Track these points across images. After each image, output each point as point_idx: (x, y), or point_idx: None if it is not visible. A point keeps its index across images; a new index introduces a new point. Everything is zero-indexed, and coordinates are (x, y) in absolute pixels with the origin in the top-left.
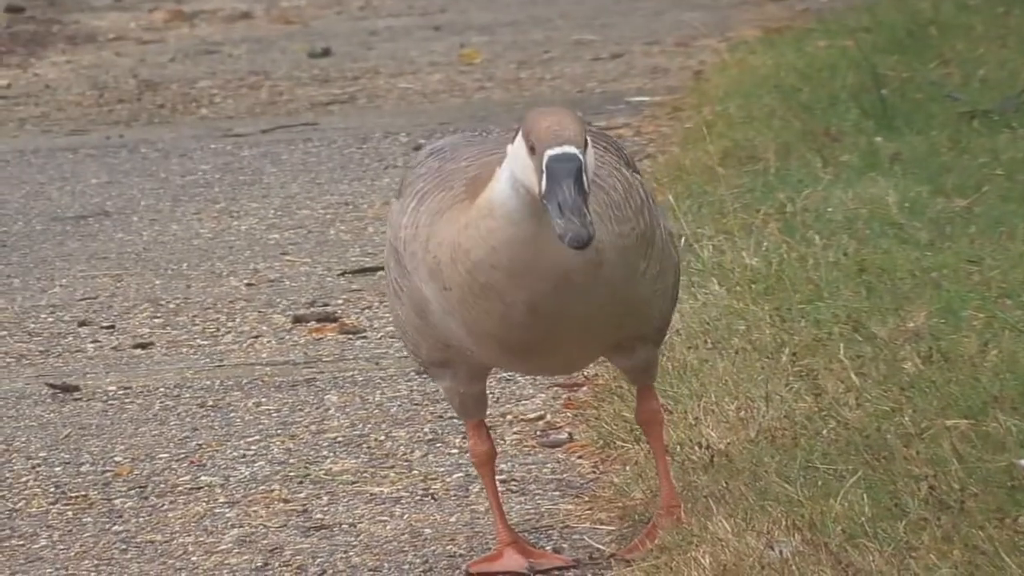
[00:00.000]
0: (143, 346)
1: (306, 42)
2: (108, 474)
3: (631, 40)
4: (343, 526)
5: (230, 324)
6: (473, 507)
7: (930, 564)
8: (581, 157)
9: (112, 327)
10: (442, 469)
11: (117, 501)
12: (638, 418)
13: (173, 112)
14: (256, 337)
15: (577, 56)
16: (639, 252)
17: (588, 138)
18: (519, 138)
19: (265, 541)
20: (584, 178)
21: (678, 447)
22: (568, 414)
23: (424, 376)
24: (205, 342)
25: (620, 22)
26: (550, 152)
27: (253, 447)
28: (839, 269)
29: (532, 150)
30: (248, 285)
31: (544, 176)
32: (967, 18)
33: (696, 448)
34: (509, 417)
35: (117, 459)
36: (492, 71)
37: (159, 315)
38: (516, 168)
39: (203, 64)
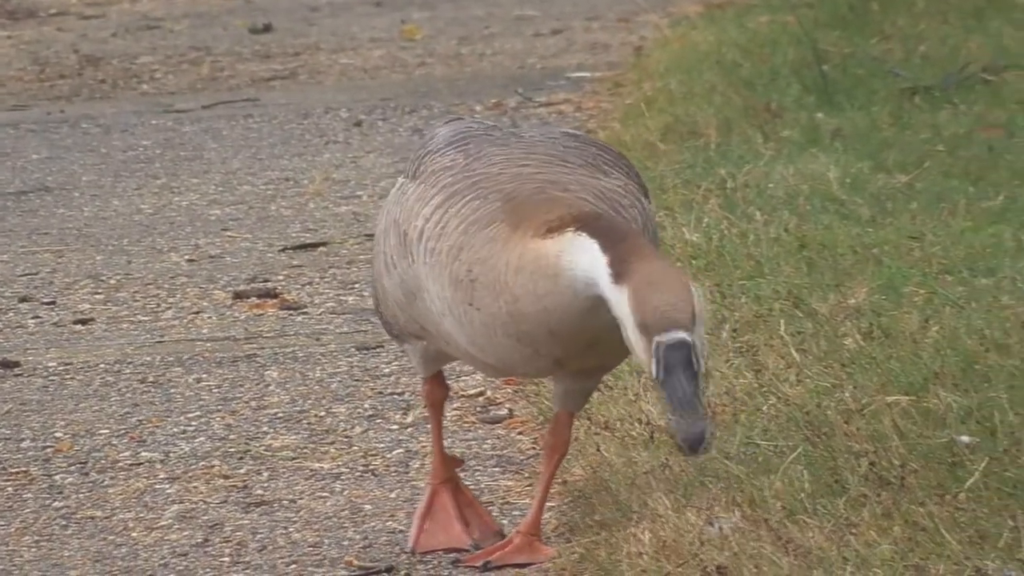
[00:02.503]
0: (84, 322)
1: (247, 18)
2: (49, 450)
3: (572, 16)
4: (283, 502)
5: (171, 300)
6: (413, 483)
7: (870, 540)
8: (690, 340)
9: (53, 303)
10: (382, 445)
11: (58, 477)
12: (547, 442)
13: (114, 88)
14: (197, 313)
15: (518, 32)
16: None
17: (699, 307)
18: (625, 293)
19: (205, 517)
20: (695, 361)
21: (618, 423)
22: (508, 390)
23: (366, 352)
24: (146, 318)
25: None
26: (660, 339)
27: (193, 423)
28: (780, 245)
29: (644, 328)
30: (189, 261)
31: (655, 364)
32: None
33: (636, 424)
34: (449, 393)
35: (58, 435)
36: (433, 47)
37: (100, 291)
38: (618, 310)
39: (144, 39)
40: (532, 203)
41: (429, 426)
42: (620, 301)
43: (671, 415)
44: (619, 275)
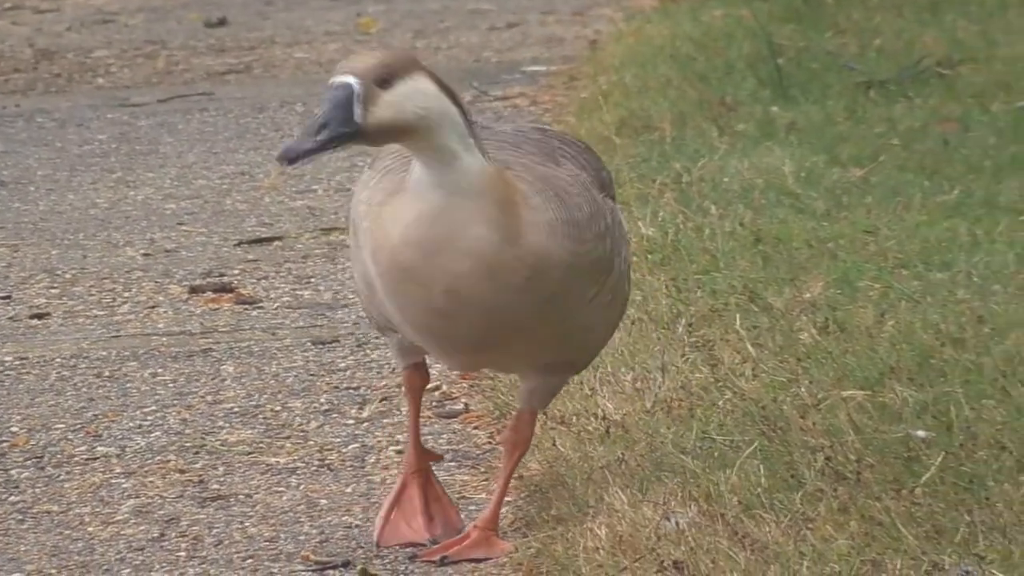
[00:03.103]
0: (39, 316)
1: (202, 11)
2: (5, 444)
3: (527, 9)
4: (239, 497)
5: (126, 294)
6: (369, 477)
7: (826, 535)
8: (356, 87)
9: (8, 297)
10: (338, 440)
11: (14, 472)
12: (508, 438)
13: (69, 82)
14: (152, 307)
15: (473, 25)
16: (592, 277)
17: (390, 68)
18: None
19: (161, 511)
20: (355, 108)
21: (574, 418)
22: (464, 385)
23: (322, 347)
24: (101, 312)
25: None
26: (331, 79)
27: (149, 418)
28: (735, 239)
29: None
30: (144, 255)
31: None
32: None
33: (592, 419)
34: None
35: (13, 429)
36: (389, 40)
37: (55, 285)
38: None
39: (99, 33)
40: None
41: (407, 416)
42: None
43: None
44: None
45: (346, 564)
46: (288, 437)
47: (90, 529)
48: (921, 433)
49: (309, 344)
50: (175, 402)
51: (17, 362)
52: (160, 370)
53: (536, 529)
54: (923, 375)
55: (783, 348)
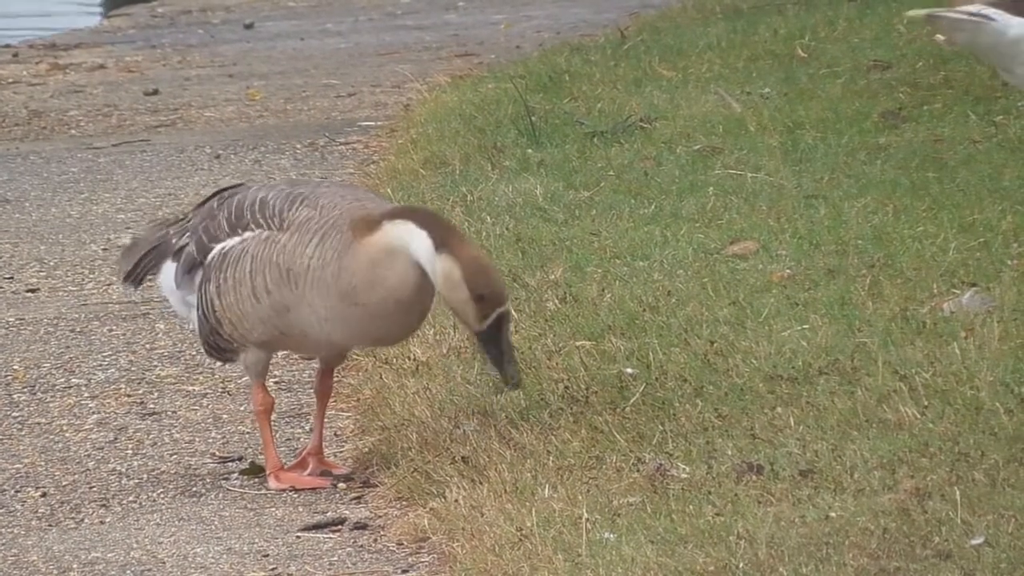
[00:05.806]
0: (33, 291)
1: (142, 85)
2: (8, 377)
3: (361, 84)
4: (168, 413)
5: (91, 276)
6: None
7: (565, 439)
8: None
9: (11, 278)
10: (235, 373)
11: (15, 395)
12: (319, 390)
13: (52, 132)
14: (109, 285)
15: (325, 94)
16: None
17: None
18: (450, 262)
19: (115, 423)
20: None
21: (394, 359)
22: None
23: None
24: (74, 288)
25: (354, 71)
26: (500, 310)
27: (107, 359)
28: (503, 239)
29: (480, 299)
30: (104, 250)
31: (487, 323)
32: (589, 69)
33: (406, 360)
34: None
35: (15, 367)
36: (268, 104)
37: (43, 270)
38: (441, 281)
39: (72, 99)
40: (366, 223)
41: (261, 435)
42: (446, 266)
43: (507, 366)
44: (442, 245)
45: (240, 458)
46: (201, 372)
47: (67, 435)
48: (629, 370)
49: None
50: (124, 348)
51: (17, 321)
52: (114, 327)
53: (369, 435)
54: (631, 331)
55: (535, 312)
